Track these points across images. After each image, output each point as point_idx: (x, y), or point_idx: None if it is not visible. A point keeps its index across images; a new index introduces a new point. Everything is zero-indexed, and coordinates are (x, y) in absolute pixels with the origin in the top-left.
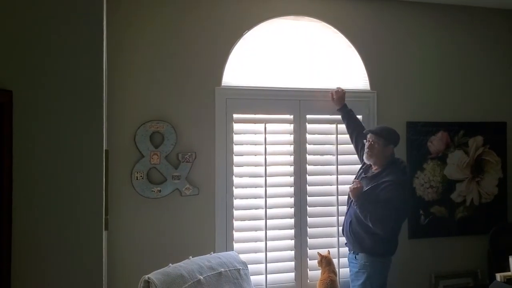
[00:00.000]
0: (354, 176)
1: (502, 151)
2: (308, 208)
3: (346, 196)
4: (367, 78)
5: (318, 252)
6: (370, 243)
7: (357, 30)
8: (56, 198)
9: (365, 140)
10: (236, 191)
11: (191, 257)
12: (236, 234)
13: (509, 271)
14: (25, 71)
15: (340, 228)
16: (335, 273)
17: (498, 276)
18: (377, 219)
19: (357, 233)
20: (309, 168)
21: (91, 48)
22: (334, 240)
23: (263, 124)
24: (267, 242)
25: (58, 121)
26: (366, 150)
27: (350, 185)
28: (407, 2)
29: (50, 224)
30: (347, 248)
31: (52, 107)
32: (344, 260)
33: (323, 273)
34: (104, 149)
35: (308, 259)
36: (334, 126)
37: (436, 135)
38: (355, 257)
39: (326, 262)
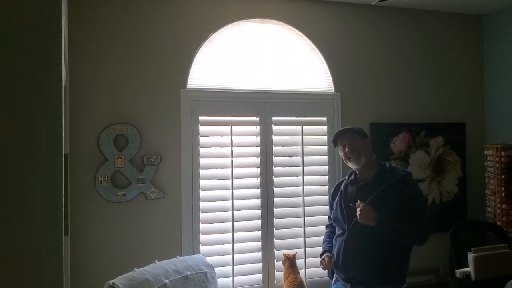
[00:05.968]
0: (319, 178)
1: (461, 151)
2: (275, 210)
3: (324, 226)
4: (331, 80)
5: (284, 254)
6: (398, 264)
7: (321, 33)
8: (10, 204)
9: (337, 149)
10: (202, 194)
11: (156, 261)
12: (202, 237)
13: (468, 267)
14: None
15: (307, 229)
16: (299, 274)
17: (458, 273)
18: (416, 227)
19: (378, 258)
20: (275, 169)
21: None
22: (300, 240)
23: (229, 126)
24: (234, 244)
25: (12, 124)
26: (348, 155)
27: (357, 212)
28: (370, 5)
29: (3, 231)
30: (315, 249)
31: (5, 108)
32: (311, 261)
33: (287, 274)
34: (63, 153)
35: (275, 260)
36: (299, 127)
37: (399, 136)
38: None
39: (289, 263)
